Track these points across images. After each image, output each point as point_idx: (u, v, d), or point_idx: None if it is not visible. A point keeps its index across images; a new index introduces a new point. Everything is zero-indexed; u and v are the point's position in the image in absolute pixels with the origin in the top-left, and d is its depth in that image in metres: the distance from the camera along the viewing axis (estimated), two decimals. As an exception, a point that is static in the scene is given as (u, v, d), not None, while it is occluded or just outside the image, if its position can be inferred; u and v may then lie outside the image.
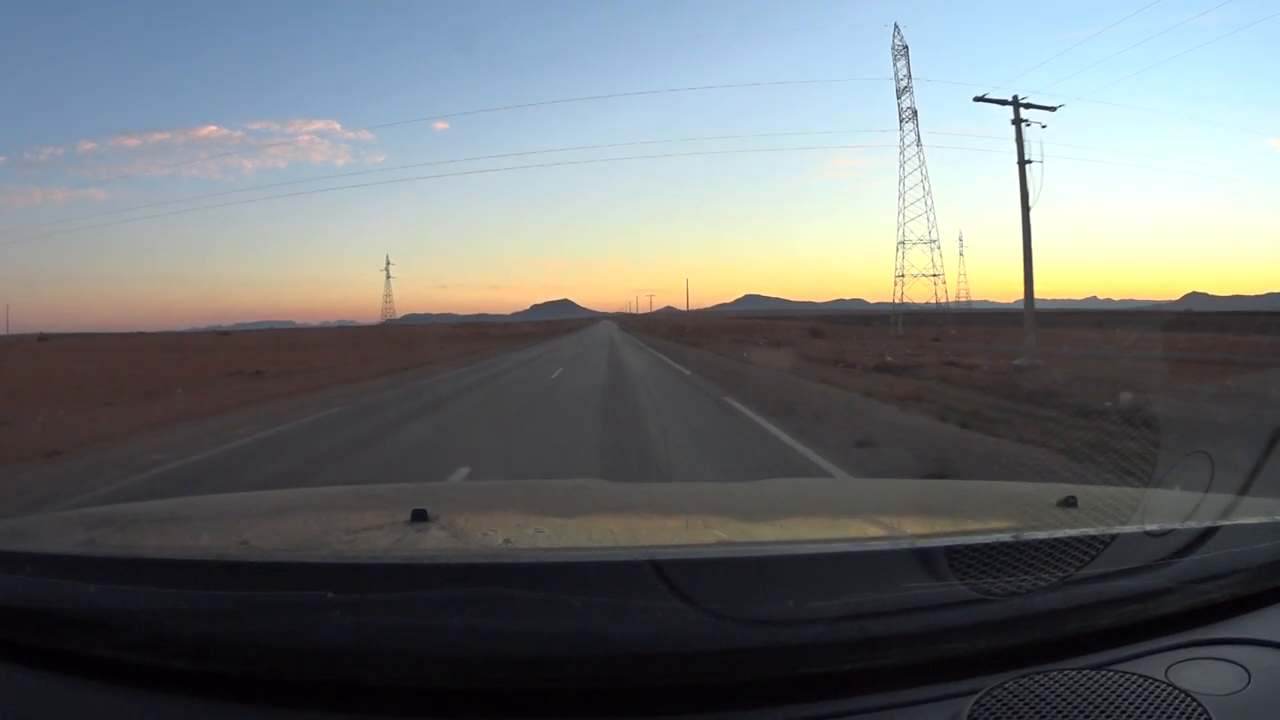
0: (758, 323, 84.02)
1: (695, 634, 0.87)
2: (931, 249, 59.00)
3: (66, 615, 0.95)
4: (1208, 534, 1.07)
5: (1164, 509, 1.18)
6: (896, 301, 58.35)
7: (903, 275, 59.37)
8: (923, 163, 67.59)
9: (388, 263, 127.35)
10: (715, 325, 73.09)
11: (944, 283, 61.26)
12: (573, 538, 1.47)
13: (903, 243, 59.40)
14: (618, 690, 0.89)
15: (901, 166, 58.97)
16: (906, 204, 58.62)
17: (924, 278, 58.29)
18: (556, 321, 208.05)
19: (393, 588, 0.92)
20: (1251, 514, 1.18)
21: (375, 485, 2.59)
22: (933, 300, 58.71)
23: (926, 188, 68.13)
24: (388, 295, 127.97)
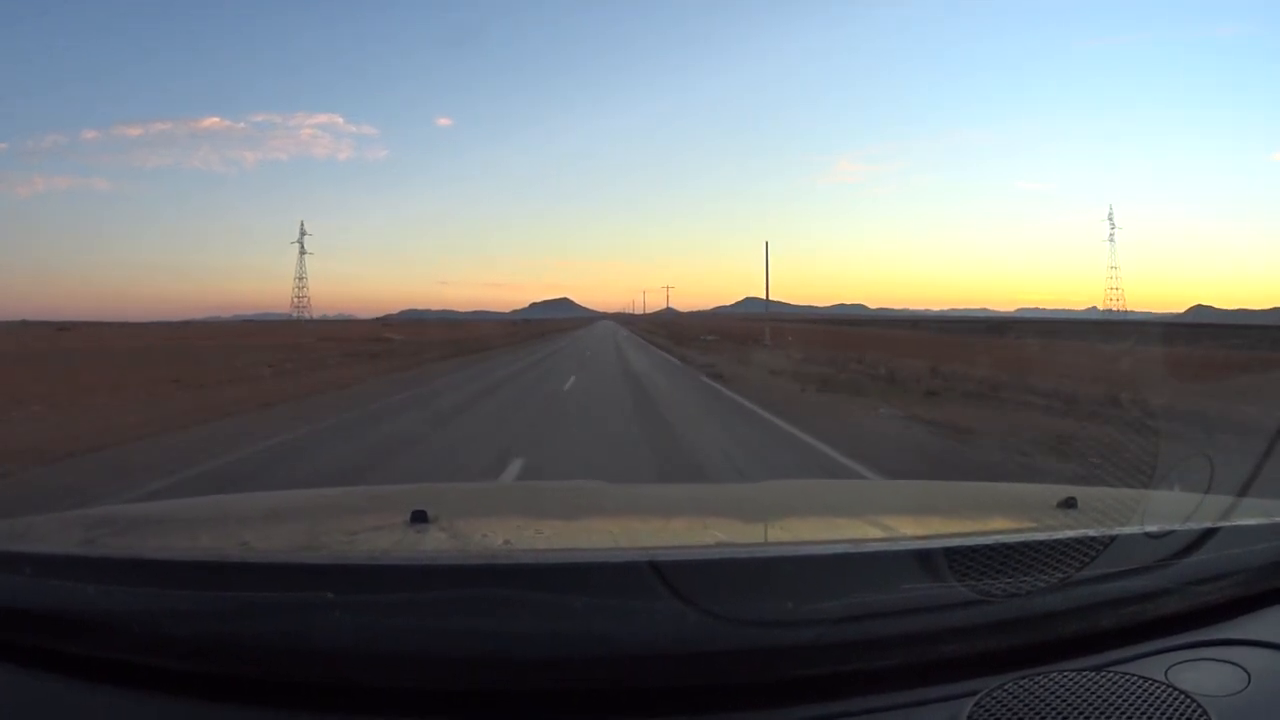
0: (802, 327, 61.73)
1: (695, 635, 0.87)
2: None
3: (66, 616, 0.95)
4: (1207, 535, 1.07)
5: (1164, 510, 1.18)
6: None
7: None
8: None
9: (302, 232, 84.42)
10: (756, 330, 49.32)
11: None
12: (573, 539, 1.47)
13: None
14: (618, 691, 0.89)
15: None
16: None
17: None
18: (538, 321, 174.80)
19: (393, 589, 0.92)
20: (1251, 515, 1.18)
21: (375, 486, 2.59)
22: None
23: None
24: (300, 277, 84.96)
